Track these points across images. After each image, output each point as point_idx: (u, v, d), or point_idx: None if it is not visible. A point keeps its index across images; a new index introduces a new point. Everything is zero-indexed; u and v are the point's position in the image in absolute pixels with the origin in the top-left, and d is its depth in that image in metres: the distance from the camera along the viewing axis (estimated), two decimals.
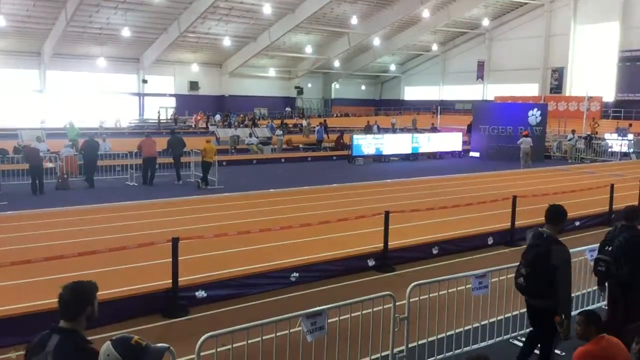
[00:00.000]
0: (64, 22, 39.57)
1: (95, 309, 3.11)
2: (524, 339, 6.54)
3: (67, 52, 45.93)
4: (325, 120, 38.83)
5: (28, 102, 45.74)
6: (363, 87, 71.94)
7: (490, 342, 6.22)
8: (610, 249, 5.97)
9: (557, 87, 54.10)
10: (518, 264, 5.40)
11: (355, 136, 27.68)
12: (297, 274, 8.52)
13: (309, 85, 65.01)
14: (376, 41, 54.87)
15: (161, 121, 47.26)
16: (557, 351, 6.35)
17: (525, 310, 6.62)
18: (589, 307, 6.97)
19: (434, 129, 35.50)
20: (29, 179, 17.17)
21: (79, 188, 17.83)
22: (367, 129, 38.25)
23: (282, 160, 27.36)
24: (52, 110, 44.81)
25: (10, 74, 45.08)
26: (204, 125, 44.83)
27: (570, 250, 7.31)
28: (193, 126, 46.12)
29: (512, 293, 6.60)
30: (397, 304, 5.48)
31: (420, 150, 28.87)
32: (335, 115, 61.78)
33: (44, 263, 7.25)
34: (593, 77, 49.87)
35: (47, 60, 46.04)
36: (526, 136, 25.19)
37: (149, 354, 2.46)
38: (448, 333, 6.00)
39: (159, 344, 2.54)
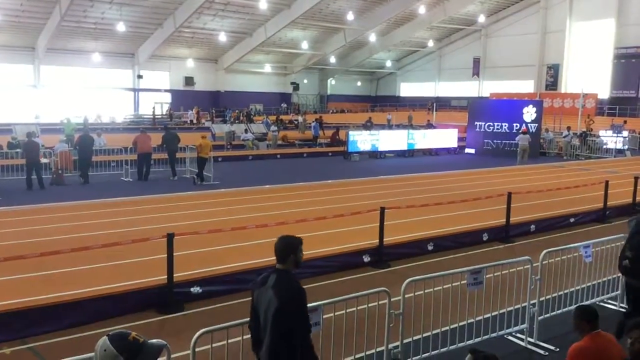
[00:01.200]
0: (58, 16, 39.35)
1: (298, 258, 4.13)
2: (519, 335, 6.58)
3: (61, 47, 45.68)
4: (320, 117, 38.82)
5: (22, 97, 45.50)
6: (359, 83, 71.90)
7: (485, 337, 6.24)
8: None
9: (552, 83, 54.24)
10: (622, 248, 6.06)
11: (351, 132, 27.66)
12: None
13: (305, 81, 64.92)
14: (372, 37, 54.82)
15: (156, 117, 46.98)
16: (551, 347, 6.39)
17: (519, 307, 6.66)
18: (585, 302, 7.00)
19: (429, 126, 35.52)
20: (23, 174, 17.09)
21: (73, 183, 17.77)
22: (368, 125, 38.42)
23: (278, 156, 27.31)
24: (47, 106, 44.59)
25: (4, 68, 44.80)
26: (199, 121, 44.62)
27: (564, 247, 7.38)
28: (189, 122, 45.75)
29: (507, 289, 6.64)
30: (392, 299, 5.48)
31: (416, 147, 28.90)
32: (331, 111, 61.75)
33: (38, 259, 7.23)
34: (588, 74, 50.03)
35: (41, 55, 45.78)
36: (524, 133, 25.32)
37: (147, 351, 2.44)
38: (443, 329, 6.02)
39: (156, 340, 2.52)
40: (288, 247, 4.09)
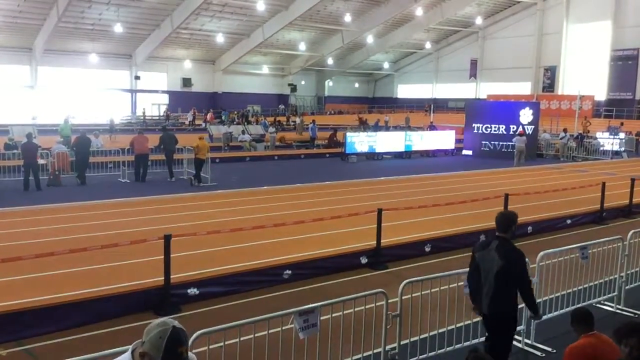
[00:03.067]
0: (56, 17, 39.31)
1: (515, 229, 5.15)
2: (516, 337, 6.57)
3: (58, 48, 45.63)
4: (363, 118, 38.97)
5: (19, 98, 45.40)
6: (356, 85, 71.96)
7: (482, 339, 6.23)
8: None
9: (549, 85, 54.36)
10: None
11: (348, 134, 27.66)
12: (290, 271, 8.51)
13: (303, 82, 64.93)
14: (370, 39, 54.89)
15: (146, 118, 46.45)
16: (548, 348, 6.40)
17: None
18: (581, 304, 7.01)
19: (432, 127, 35.55)
20: (20, 175, 17.06)
21: (70, 185, 17.72)
22: (375, 126, 38.74)
23: (275, 157, 27.29)
24: (44, 107, 44.49)
25: (1, 69, 44.74)
26: (192, 121, 44.46)
27: (561, 249, 7.38)
28: (187, 123, 45.43)
29: None
30: (389, 301, 5.48)
31: (413, 148, 28.91)
32: (328, 112, 61.80)
33: (34, 260, 7.20)
34: (585, 75, 50.16)
35: (38, 56, 45.71)
36: (521, 135, 25.39)
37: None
38: (440, 330, 6.02)
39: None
40: (510, 219, 5.14)
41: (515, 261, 4.97)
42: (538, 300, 6.56)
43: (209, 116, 44.08)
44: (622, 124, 36.95)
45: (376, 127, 38.07)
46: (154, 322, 2.48)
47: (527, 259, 5.14)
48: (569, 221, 12.87)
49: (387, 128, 41.33)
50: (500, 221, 5.15)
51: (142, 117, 46.84)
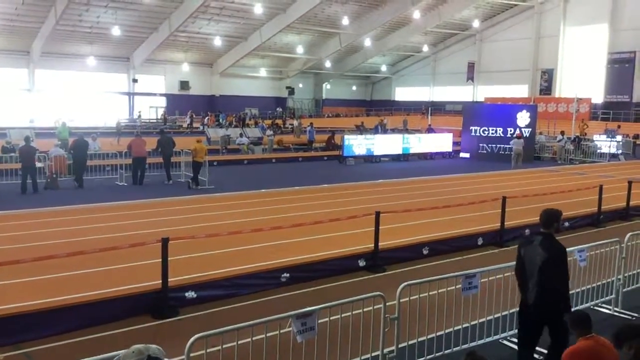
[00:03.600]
0: (54, 20, 39.30)
1: (559, 225, 5.40)
2: (513, 339, 6.58)
3: (56, 50, 45.60)
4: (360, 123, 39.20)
5: (17, 101, 45.32)
6: (354, 88, 72.01)
7: (480, 342, 6.25)
8: None
9: (546, 88, 54.44)
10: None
11: (346, 136, 27.68)
12: (288, 274, 8.51)
13: (300, 85, 64.95)
14: (367, 42, 54.93)
15: (142, 121, 46.29)
16: (545, 351, 6.39)
17: (513, 311, 6.66)
18: (579, 307, 7.02)
19: (430, 130, 35.61)
20: (17, 178, 17.02)
21: (68, 188, 17.68)
22: (376, 129, 38.71)
23: (273, 160, 27.30)
24: (41, 110, 44.41)
25: None
26: (190, 124, 44.35)
27: None
28: (186, 125, 45.36)
29: (502, 293, 6.65)
30: (387, 304, 5.49)
31: (411, 151, 28.94)
32: (326, 115, 61.82)
33: (32, 263, 7.19)
34: (582, 78, 50.29)
35: (36, 59, 45.68)
36: (519, 138, 25.46)
37: None
38: (438, 333, 6.02)
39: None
40: (553, 216, 5.36)
41: (558, 254, 5.23)
42: None
43: (206, 120, 44.02)
44: (619, 126, 37.09)
45: (376, 131, 38.05)
46: (131, 348, 2.49)
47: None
48: (566, 224, 12.87)
49: (384, 131, 41.40)
50: (543, 218, 5.41)
51: (136, 120, 46.62)
